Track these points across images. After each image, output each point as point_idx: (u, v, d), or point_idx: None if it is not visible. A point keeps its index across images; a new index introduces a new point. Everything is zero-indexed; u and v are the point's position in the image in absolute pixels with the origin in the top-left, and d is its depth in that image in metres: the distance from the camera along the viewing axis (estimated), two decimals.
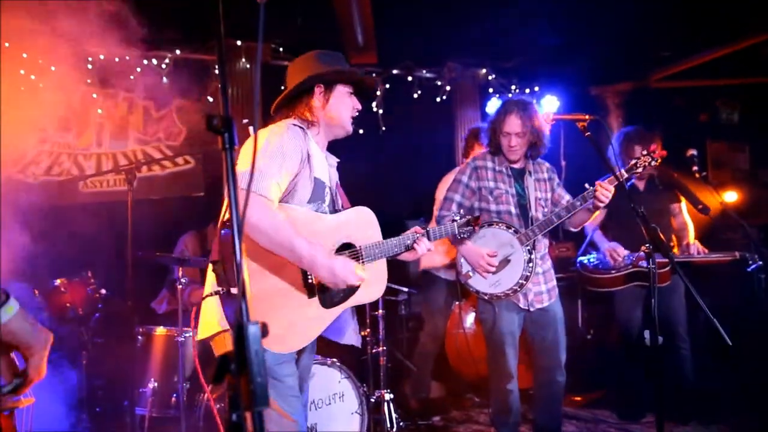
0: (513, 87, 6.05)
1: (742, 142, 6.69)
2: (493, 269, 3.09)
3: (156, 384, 3.48)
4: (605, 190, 2.91)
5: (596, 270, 4.09)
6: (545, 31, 5.13)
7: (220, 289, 1.92)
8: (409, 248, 2.30)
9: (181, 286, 3.42)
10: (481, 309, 3.25)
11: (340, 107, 2.22)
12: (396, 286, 4.14)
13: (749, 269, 3.94)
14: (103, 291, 3.79)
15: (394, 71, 5.67)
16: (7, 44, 4.62)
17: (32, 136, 5.03)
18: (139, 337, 3.59)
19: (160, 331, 3.59)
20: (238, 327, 0.94)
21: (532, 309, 3.18)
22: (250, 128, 2.90)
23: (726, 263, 3.95)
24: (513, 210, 3.17)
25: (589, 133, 2.68)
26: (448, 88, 5.89)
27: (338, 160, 2.35)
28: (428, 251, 2.33)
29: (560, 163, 5.35)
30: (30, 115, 5.02)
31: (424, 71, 5.81)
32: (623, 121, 6.24)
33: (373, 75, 5.58)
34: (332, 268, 1.98)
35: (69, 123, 5.09)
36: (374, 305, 3.71)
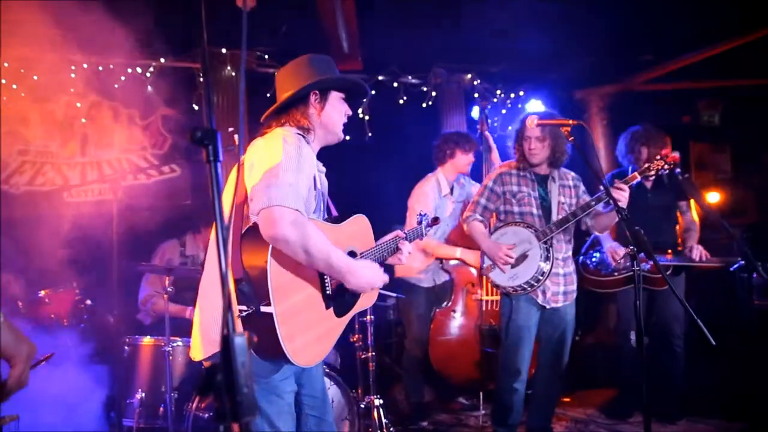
0: (498, 92, 6.09)
1: (723, 144, 6.79)
2: (512, 261, 3.27)
3: (143, 395, 3.45)
4: (620, 191, 2.99)
5: (597, 272, 4.11)
6: (530, 37, 5.19)
7: (245, 308, 1.81)
8: (394, 251, 2.35)
9: (167, 296, 3.40)
10: (501, 303, 3.45)
11: (334, 114, 2.20)
12: (385, 292, 4.14)
13: (732, 269, 3.99)
14: (89, 302, 3.75)
15: (380, 77, 5.68)
16: None
17: (14, 146, 4.98)
18: (126, 348, 3.56)
19: (147, 341, 3.55)
20: (224, 338, 0.94)
21: (547, 307, 3.33)
22: (236, 136, 2.87)
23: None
24: (535, 211, 3.37)
25: (572, 137, 2.71)
26: (434, 93, 5.91)
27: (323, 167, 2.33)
28: (408, 254, 2.38)
29: None
30: (12, 125, 4.99)
31: (410, 77, 5.83)
32: (607, 124, 6.31)
33: None
34: (367, 273, 2.04)
35: (52, 133, 5.04)
36: (362, 311, 3.70)
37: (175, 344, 3.47)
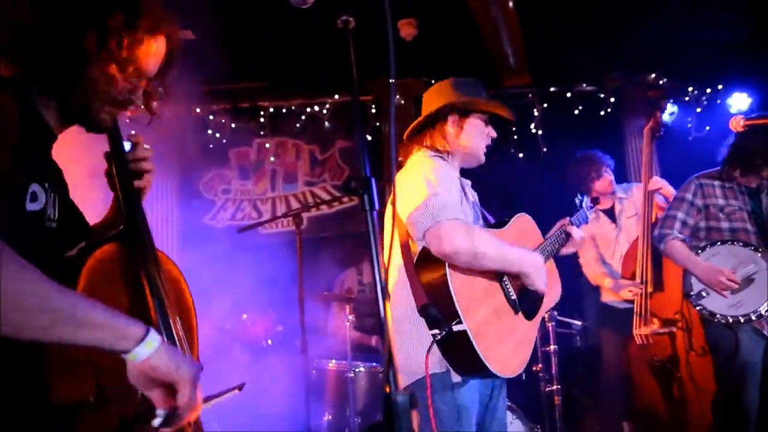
0: (690, 89, 5.42)
1: None
2: (736, 286, 2.86)
3: (330, 417, 3.60)
4: None
5: None
6: (721, 20, 4.51)
7: (437, 331, 1.80)
8: (566, 240, 2.28)
9: (348, 323, 3.53)
10: (713, 336, 2.97)
11: (474, 137, 2.17)
12: (567, 319, 3.87)
13: None
14: (280, 327, 4.05)
15: (551, 89, 5.41)
16: (198, 110, 5.31)
17: (220, 186, 5.67)
18: (313, 371, 3.75)
19: (332, 364, 3.72)
20: (387, 398, 0.89)
21: None
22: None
23: None
24: (750, 227, 2.94)
25: None
26: (612, 99, 5.47)
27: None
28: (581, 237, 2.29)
29: None
30: (217, 168, 5.68)
31: (584, 85, 5.47)
32: None
33: (530, 96, 5.39)
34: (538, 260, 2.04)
35: (248, 172, 5.65)
36: (545, 339, 3.48)
37: (357, 369, 3.57)
